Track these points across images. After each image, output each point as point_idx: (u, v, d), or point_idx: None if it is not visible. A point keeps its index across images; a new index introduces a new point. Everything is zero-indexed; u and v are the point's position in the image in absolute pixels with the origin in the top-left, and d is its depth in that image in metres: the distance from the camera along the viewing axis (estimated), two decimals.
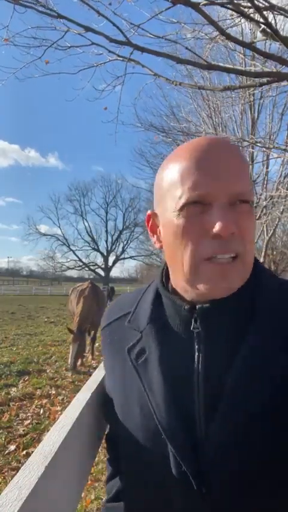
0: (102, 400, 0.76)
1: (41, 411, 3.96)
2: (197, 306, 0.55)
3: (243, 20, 4.46)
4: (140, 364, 0.60)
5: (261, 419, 0.51)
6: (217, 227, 0.48)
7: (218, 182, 0.50)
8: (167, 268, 0.64)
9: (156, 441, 0.56)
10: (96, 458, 3.08)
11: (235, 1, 3.43)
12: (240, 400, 0.51)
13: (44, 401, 4.28)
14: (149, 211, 0.63)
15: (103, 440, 0.89)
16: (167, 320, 0.61)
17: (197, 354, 0.56)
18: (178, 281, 0.58)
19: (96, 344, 7.83)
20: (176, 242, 0.53)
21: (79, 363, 5.98)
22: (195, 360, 0.56)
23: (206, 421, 0.53)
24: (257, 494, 0.52)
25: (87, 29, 3.91)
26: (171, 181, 0.54)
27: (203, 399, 0.54)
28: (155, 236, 0.62)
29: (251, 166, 9.00)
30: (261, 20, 3.15)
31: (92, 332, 6.80)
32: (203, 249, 0.51)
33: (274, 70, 3.66)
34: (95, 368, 5.80)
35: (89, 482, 2.68)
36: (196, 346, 0.56)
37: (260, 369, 0.52)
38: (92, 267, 48.28)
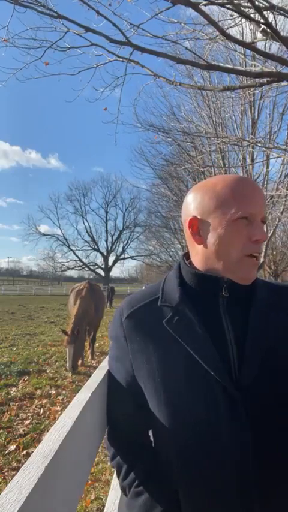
0: (104, 399, 0.80)
1: (41, 411, 3.96)
2: (226, 279, 0.78)
3: (243, 20, 4.45)
4: (181, 329, 0.76)
5: (276, 353, 0.73)
6: (259, 236, 0.75)
7: (259, 207, 0.77)
8: (183, 261, 0.88)
9: (201, 383, 0.72)
10: (96, 458, 3.08)
11: (235, 1, 3.43)
12: (259, 341, 0.74)
13: (44, 401, 4.28)
14: (191, 217, 0.83)
15: (103, 440, 0.90)
16: (195, 295, 0.81)
17: (223, 313, 0.77)
18: (214, 266, 0.80)
19: (96, 344, 7.83)
20: (226, 241, 0.76)
21: (79, 363, 5.97)
22: (224, 317, 0.77)
23: (239, 362, 0.73)
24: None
25: (87, 29, 3.91)
26: (224, 200, 0.77)
27: (234, 346, 0.74)
28: (197, 236, 0.82)
29: (250, 166, 9.00)
30: (261, 20, 3.15)
31: (92, 333, 6.78)
32: (247, 248, 0.76)
33: (274, 70, 3.66)
34: (95, 368, 5.79)
35: (89, 482, 2.68)
36: (222, 310, 0.78)
37: (264, 318, 0.77)
38: (92, 267, 48.16)
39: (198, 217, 0.81)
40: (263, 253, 10.13)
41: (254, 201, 0.76)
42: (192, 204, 0.83)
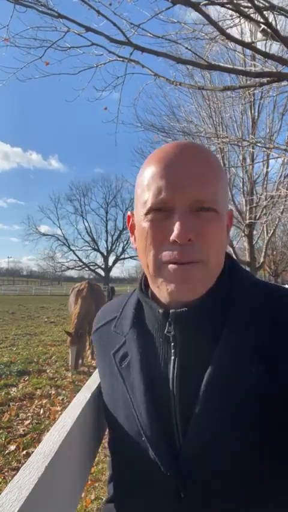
0: (101, 401, 0.78)
1: (41, 411, 3.96)
2: (171, 311, 0.56)
3: (243, 20, 4.45)
4: (124, 368, 0.62)
5: (238, 428, 0.51)
6: (174, 233, 0.50)
7: (180, 189, 0.51)
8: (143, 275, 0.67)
9: (140, 443, 0.57)
10: (96, 458, 3.08)
11: (235, 1, 3.43)
12: (213, 409, 0.51)
13: (44, 401, 4.27)
14: (129, 212, 0.66)
15: (103, 440, 0.89)
16: (147, 325, 0.63)
17: (173, 357, 0.57)
18: (151, 283, 0.59)
19: None
20: (142, 245, 0.56)
21: (80, 363, 5.98)
22: (171, 365, 0.57)
23: (182, 428, 0.54)
24: (236, 504, 0.51)
25: (88, 29, 3.91)
26: (142, 186, 0.56)
27: (178, 407, 0.55)
28: (133, 237, 0.64)
29: (250, 166, 8.99)
30: (262, 20, 3.14)
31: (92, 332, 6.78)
32: (163, 254, 0.53)
33: (274, 70, 3.66)
34: (95, 368, 5.78)
35: (89, 482, 2.68)
36: (172, 351, 0.57)
37: (232, 377, 0.52)
38: (92, 267, 48.17)
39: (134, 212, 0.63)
40: (263, 253, 10.11)
41: (172, 180, 0.52)
42: None
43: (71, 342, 5.65)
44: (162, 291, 0.54)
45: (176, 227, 0.50)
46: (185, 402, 0.54)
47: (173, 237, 0.50)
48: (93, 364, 6.36)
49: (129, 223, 0.66)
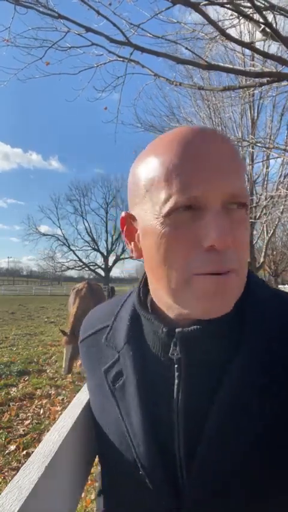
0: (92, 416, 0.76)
1: (41, 411, 3.96)
2: (177, 330, 0.49)
3: (242, 20, 4.46)
4: (117, 389, 0.55)
5: (248, 461, 0.45)
6: (211, 237, 0.41)
7: (212, 182, 0.42)
8: (146, 279, 0.57)
9: (136, 475, 0.51)
10: (96, 459, 3.08)
11: (235, 1, 3.43)
12: (222, 440, 0.46)
13: (44, 401, 4.27)
14: (123, 213, 0.54)
15: None
16: (145, 340, 0.55)
17: (177, 381, 0.50)
18: (161, 297, 0.51)
19: None
20: (160, 254, 0.45)
21: (79, 363, 5.97)
22: (175, 389, 0.50)
23: (186, 460, 0.48)
24: (236, 504, 0.46)
25: (88, 29, 3.91)
26: (153, 180, 0.46)
27: (182, 436, 0.49)
28: (132, 243, 0.53)
29: (250, 166, 8.99)
30: (261, 20, 3.15)
31: None
32: (194, 265, 0.43)
33: (274, 70, 3.66)
34: None
35: (89, 482, 2.69)
36: (176, 373, 0.50)
37: (245, 404, 0.46)
38: (92, 267, 48.16)
39: (131, 212, 0.52)
40: (263, 253, 10.12)
41: (201, 171, 0.42)
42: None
43: (66, 341, 5.64)
44: (189, 307, 0.45)
45: (214, 229, 0.41)
46: (189, 434, 0.48)
47: (210, 242, 0.41)
48: None
49: (125, 227, 0.54)
